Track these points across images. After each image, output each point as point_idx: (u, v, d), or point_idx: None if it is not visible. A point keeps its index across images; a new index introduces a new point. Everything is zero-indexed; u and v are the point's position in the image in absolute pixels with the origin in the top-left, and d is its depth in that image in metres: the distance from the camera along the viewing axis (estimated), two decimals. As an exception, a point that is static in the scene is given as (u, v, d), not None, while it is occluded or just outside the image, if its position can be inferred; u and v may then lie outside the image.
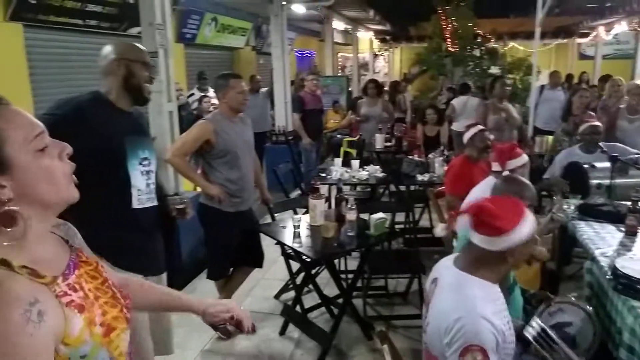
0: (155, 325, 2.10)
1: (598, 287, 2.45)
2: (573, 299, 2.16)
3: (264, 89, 6.83)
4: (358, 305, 3.29)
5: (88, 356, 0.85)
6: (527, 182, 2.21)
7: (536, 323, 1.69)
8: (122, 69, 1.94)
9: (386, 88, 8.86)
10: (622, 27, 10.96)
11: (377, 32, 14.31)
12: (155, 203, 2.10)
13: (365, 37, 14.38)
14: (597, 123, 4.11)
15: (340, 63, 14.90)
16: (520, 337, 1.67)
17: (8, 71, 4.28)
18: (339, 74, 13.68)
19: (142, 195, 2.01)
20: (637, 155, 3.89)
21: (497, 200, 1.61)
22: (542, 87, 7.56)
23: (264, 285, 3.84)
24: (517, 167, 2.79)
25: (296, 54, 12.30)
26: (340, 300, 3.26)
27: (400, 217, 4.43)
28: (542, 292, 2.38)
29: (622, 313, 2.10)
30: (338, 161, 4.82)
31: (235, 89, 3.00)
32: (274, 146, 6.90)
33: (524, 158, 2.85)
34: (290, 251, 3.24)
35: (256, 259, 3.28)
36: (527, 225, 1.50)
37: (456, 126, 6.20)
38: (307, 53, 13.21)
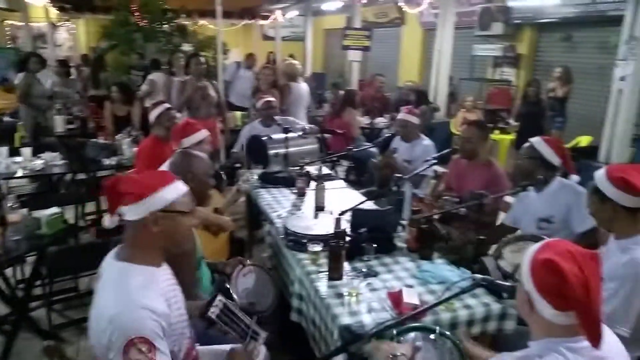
0: None
1: (276, 247, 2.71)
2: (249, 262, 2.33)
3: None
4: (42, 316, 2.84)
5: None
6: (200, 155, 2.22)
7: (218, 300, 1.72)
8: None
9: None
10: (294, 12, 12.47)
11: (54, -1, 12.50)
12: None
13: (39, 3, 12.38)
14: (272, 99, 4.53)
15: (8, 33, 12.50)
16: (203, 315, 1.66)
17: None
18: (9, 46, 11.52)
19: None
20: (305, 126, 4.48)
21: (138, 173, 1.59)
22: (238, 65, 8.01)
23: None
24: (193, 144, 2.81)
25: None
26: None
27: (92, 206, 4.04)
28: (233, 259, 2.46)
29: (293, 266, 2.36)
30: (3, 150, 4.02)
31: None
32: None
33: (200, 135, 2.88)
34: None
35: None
36: (168, 192, 1.47)
37: (150, 103, 5.99)
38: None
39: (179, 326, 1.49)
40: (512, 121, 6.69)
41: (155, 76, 6.28)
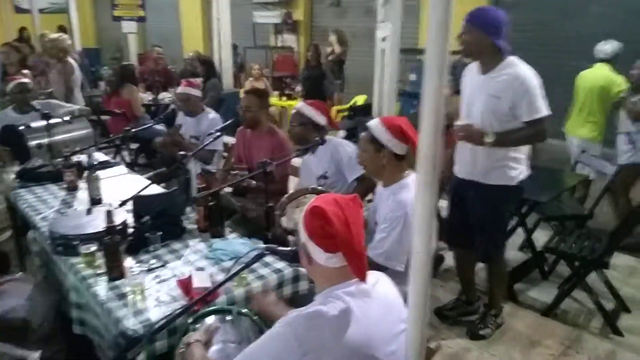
0: None
1: (45, 254, 2.32)
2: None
3: None
4: None
5: None
6: None
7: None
8: None
9: None
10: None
11: None
12: None
13: None
14: (26, 80, 3.85)
15: None
16: None
17: None
18: None
19: None
20: (72, 109, 3.92)
21: None
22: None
23: None
24: None
25: None
26: None
27: None
28: None
29: (67, 274, 2.04)
30: None
31: None
32: None
33: None
34: None
35: None
36: None
37: None
38: None
39: None
40: (297, 87, 6.95)
41: None
